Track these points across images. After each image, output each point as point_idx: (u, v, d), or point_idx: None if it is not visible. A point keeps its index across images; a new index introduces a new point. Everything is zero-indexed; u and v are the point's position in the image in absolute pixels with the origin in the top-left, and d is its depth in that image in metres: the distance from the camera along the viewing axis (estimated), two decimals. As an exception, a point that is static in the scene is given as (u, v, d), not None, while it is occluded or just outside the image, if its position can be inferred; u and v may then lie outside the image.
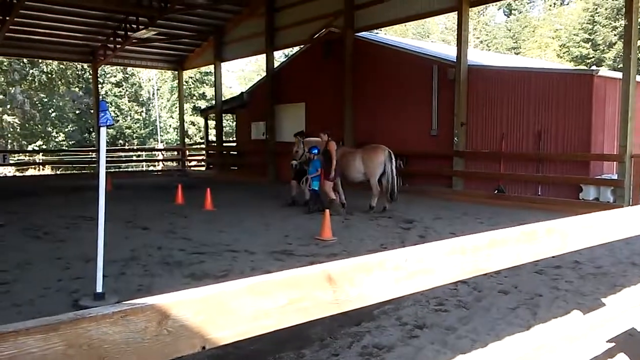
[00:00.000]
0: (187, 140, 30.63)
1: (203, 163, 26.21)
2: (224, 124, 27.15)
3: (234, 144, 25.42)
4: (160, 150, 31.53)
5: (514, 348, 3.60)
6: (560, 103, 11.90)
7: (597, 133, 11.61)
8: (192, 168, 26.06)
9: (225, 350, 1.44)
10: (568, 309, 4.69)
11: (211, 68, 24.16)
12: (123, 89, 39.54)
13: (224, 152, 24.44)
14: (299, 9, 17.85)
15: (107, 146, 5.40)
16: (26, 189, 16.68)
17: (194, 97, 40.19)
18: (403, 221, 9.73)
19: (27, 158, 29.38)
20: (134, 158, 30.16)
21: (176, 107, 31.04)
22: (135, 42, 20.13)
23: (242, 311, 1.36)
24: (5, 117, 33.74)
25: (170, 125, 40.43)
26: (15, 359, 1.04)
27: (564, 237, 2.43)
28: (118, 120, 37.04)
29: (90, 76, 29.59)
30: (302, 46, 19.27)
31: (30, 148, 33.45)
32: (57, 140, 35.87)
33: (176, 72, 26.41)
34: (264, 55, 19.98)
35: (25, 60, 31.53)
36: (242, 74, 50.56)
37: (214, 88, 23.95)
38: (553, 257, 2.65)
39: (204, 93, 40.29)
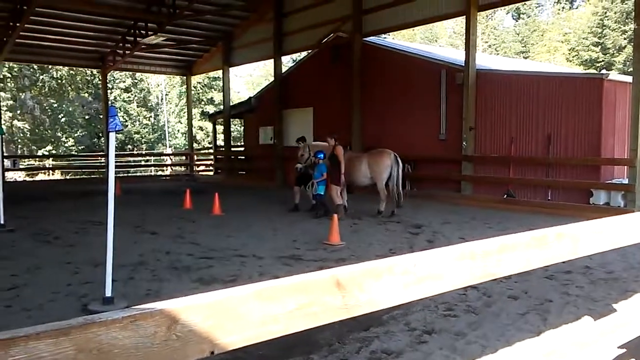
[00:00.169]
0: (195, 145, 30.80)
1: (211, 168, 26.30)
2: (232, 129, 27.25)
3: (242, 149, 25.50)
4: (168, 155, 31.68)
5: (524, 354, 3.57)
6: (570, 107, 11.83)
7: (607, 137, 11.52)
8: (200, 173, 26.16)
9: (234, 355, 1.44)
10: (579, 314, 4.64)
11: (219, 73, 24.28)
12: (132, 95, 39.83)
13: (232, 157, 24.52)
14: (307, 14, 17.91)
15: (116, 151, 5.43)
16: (36, 193, 16.82)
17: (202, 102, 40.40)
18: (411, 226, 9.70)
19: (37, 163, 29.63)
20: (143, 163, 30.36)
21: (184, 112, 31.20)
22: (144, 47, 20.29)
23: (251, 316, 1.36)
24: (15, 122, 34.07)
25: (178, 130, 40.63)
26: (25, 364, 1.04)
27: (575, 242, 2.41)
28: (127, 126, 37.28)
29: (99, 82, 29.82)
30: (309, 51, 19.33)
31: (40, 153, 33.74)
32: (66, 145, 36.17)
33: (185, 78, 26.57)
34: (272, 61, 20.06)
35: (35, 66, 31.86)
36: (250, 79, 50.78)
37: (222, 93, 24.07)
38: (563, 262, 2.63)
39: (212, 98, 40.49)
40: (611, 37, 36.14)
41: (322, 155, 10.66)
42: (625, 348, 3.12)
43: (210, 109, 37.31)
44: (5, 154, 20.22)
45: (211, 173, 25.59)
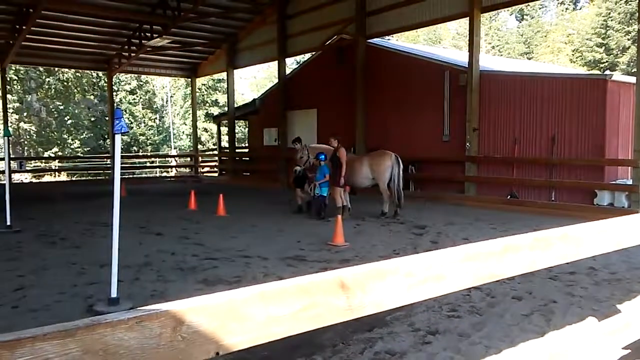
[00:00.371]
0: (200, 146, 30.86)
1: (216, 169, 26.36)
2: (236, 131, 27.31)
3: (246, 150, 25.55)
4: (173, 156, 31.78)
5: (528, 355, 3.57)
6: (574, 108, 11.80)
7: (611, 138, 11.49)
8: (205, 174, 26.22)
9: (238, 355, 1.45)
10: (583, 315, 4.63)
11: (224, 75, 24.34)
12: (137, 97, 39.97)
13: (237, 158, 24.57)
14: (311, 16, 17.95)
15: (121, 153, 5.45)
16: (42, 195, 16.89)
17: (207, 104, 40.50)
18: (415, 227, 9.69)
19: (43, 165, 29.77)
20: (148, 164, 30.44)
21: (189, 114, 31.29)
22: (149, 50, 20.37)
23: (256, 317, 1.38)
24: (21, 124, 34.25)
25: (183, 132, 40.75)
26: (33, 364, 1.06)
27: (579, 243, 2.41)
28: (132, 128, 37.41)
29: (105, 84, 29.97)
30: (313, 53, 19.35)
31: (46, 155, 33.90)
32: (72, 147, 36.33)
33: (189, 80, 26.66)
34: (276, 62, 20.09)
35: (41, 68, 32.02)
36: (254, 80, 50.90)
37: (226, 95, 24.12)
38: (567, 263, 2.63)
39: (216, 100, 40.58)
40: (615, 37, 36.01)
41: (323, 157, 10.65)
42: (630, 349, 3.12)
43: (215, 111, 37.40)
44: (11, 156, 20.33)
45: (216, 174, 25.65)
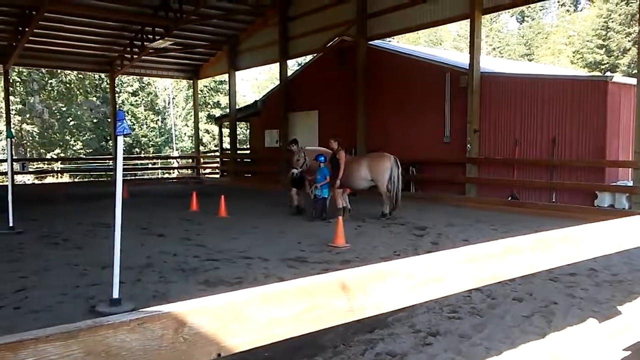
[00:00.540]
0: (201, 148, 30.87)
1: (217, 170, 26.38)
2: (238, 132, 27.33)
3: (248, 152, 25.57)
4: (175, 158, 31.81)
5: (529, 356, 3.57)
6: (575, 109, 11.80)
7: (612, 139, 11.49)
8: (206, 175, 26.24)
9: (240, 356, 1.46)
10: (583, 317, 4.63)
11: (225, 77, 24.36)
12: (139, 98, 40.03)
13: (238, 160, 24.60)
14: (312, 18, 17.97)
15: (123, 154, 5.46)
16: (45, 196, 16.92)
17: (209, 106, 40.54)
18: (416, 228, 9.69)
19: (45, 166, 29.84)
20: (150, 166, 30.47)
21: (191, 116, 31.31)
22: (151, 52, 20.42)
23: (257, 319, 1.38)
24: (24, 126, 34.32)
25: (185, 134, 40.80)
26: (35, 366, 1.07)
27: (580, 244, 2.41)
28: (134, 129, 37.48)
29: (107, 86, 29.99)
30: (315, 55, 19.38)
31: (48, 156, 33.97)
32: (75, 148, 36.40)
33: (191, 81, 26.69)
34: (277, 64, 20.11)
35: (43, 70, 32.08)
36: (256, 82, 50.96)
37: (228, 96, 24.15)
38: (568, 264, 2.63)
39: (218, 101, 40.64)
40: (615, 39, 36.01)
41: (323, 159, 10.65)
42: (630, 350, 3.12)
43: (217, 112, 37.45)
44: (14, 158, 20.35)
45: (217, 176, 25.66)
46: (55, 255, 7.57)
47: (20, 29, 17.73)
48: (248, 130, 28.62)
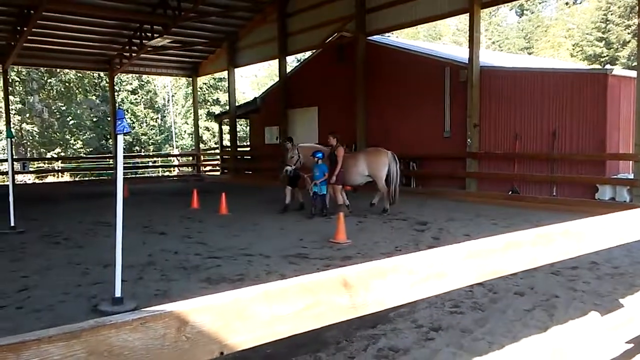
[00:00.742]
0: (201, 145, 30.89)
1: (218, 168, 26.38)
2: (237, 129, 27.32)
3: (248, 149, 25.56)
4: (175, 155, 31.82)
5: (531, 350, 3.57)
6: (575, 103, 11.79)
7: (612, 132, 11.47)
8: (207, 173, 26.25)
9: (241, 353, 1.46)
10: (585, 310, 4.64)
11: (225, 74, 24.33)
12: (139, 96, 40.02)
13: (238, 157, 24.59)
14: (311, 14, 17.93)
15: (123, 153, 5.46)
16: (45, 195, 16.93)
17: (208, 103, 40.52)
18: (417, 223, 9.70)
19: (46, 165, 29.83)
20: (150, 164, 30.47)
21: (191, 113, 31.31)
22: (150, 50, 20.37)
23: (259, 317, 1.38)
24: (24, 125, 34.31)
25: (185, 131, 40.79)
26: (38, 366, 1.07)
27: (581, 238, 2.41)
28: (134, 127, 37.47)
29: (106, 84, 30.00)
30: (314, 51, 19.34)
31: (49, 155, 33.98)
32: (75, 147, 36.41)
33: (190, 79, 26.66)
34: (276, 61, 20.08)
35: (43, 69, 32.07)
36: (255, 79, 50.94)
37: (227, 94, 24.12)
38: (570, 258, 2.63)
39: (218, 99, 40.60)
40: (615, 32, 35.92)
41: (320, 155, 10.62)
42: (633, 343, 3.13)
43: (216, 110, 37.43)
44: (15, 157, 20.36)
45: (218, 173, 25.67)
46: (56, 254, 7.58)
47: (19, 28, 17.70)
48: (248, 127, 28.61)
